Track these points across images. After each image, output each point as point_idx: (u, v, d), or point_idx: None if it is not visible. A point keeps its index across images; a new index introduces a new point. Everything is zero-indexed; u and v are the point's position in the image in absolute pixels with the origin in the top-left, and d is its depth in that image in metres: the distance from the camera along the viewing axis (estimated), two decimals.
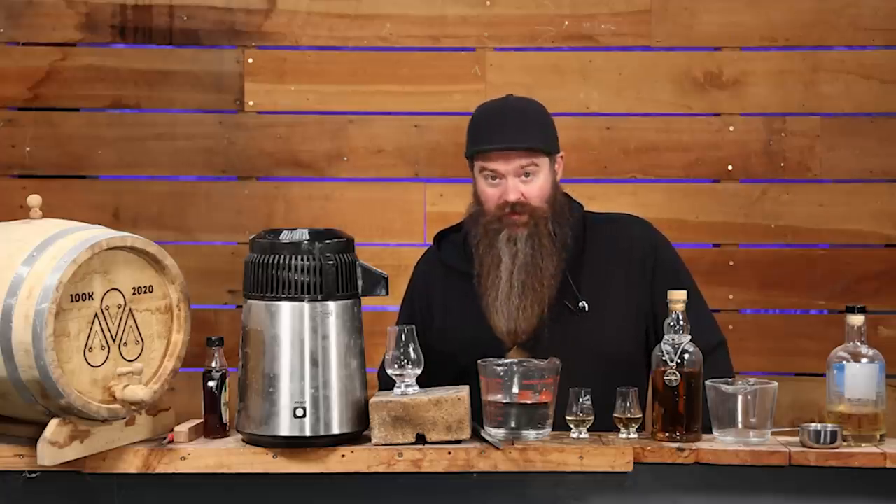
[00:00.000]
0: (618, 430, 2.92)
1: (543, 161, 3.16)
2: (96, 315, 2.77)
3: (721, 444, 2.86)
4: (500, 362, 2.90)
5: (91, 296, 2.76)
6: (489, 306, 3.14)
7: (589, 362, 3.06)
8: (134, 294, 2.84)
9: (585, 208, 3.29)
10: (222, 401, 2.92)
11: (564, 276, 3.15)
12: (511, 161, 3.13)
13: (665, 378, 2.86)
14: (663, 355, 2.86)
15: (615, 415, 2.92)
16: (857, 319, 2.90)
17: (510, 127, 3.15)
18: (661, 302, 3.00)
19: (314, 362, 2.80)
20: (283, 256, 2.80)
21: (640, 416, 2.91)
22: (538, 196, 3.15)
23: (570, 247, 3.17)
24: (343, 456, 2.82)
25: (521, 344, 3.13)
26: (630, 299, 3.17)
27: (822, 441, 2.83)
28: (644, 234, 3.27)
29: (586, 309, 3.16)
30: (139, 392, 2.77)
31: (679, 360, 2.85)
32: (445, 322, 3.21)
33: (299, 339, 2.80)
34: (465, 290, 3.21)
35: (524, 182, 3.14)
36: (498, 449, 2.81)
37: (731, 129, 4.32)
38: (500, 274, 3.13)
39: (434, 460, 2.81)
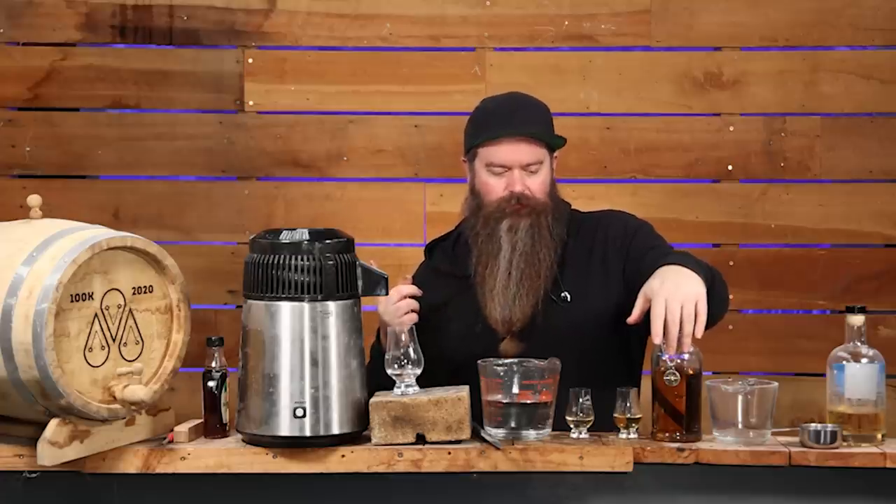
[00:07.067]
0: (617, 430, 2.92)
1: (546, 157, 3.20)
2: (96, 315, 2.77)
3: (721, 444, 2.86)
4: (500, 362, 2.90)
5: (91, 296, 2.76)
6: (486, 295, 3.15)
7: (570, 351, 3.06)
8: (134, 294, 2.84)
9: (573, 206, 3.31)
10: (222, 401, 2.92)
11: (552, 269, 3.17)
12: (518, 153, 3.15)
13: (665, 378, 2.85)
14: (663, 355, 2.85)
15: (615, 415, 2.92)
16: (857, 319, 2.90)
17: (519, 117, 3.19)
18: (635, 264, 3.09)
19: (314, 362, 2.79)
20: (283, 256, 2.80)
21: (640, 415, 2.91)
22: (541, 190, 3.18)
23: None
24: (343, 456, 2.82)
25: (514, 333, 3.14)
26: (610, 289, 3.17)
27: (822, 441, 2.83)
28: (618, 221, 3.28)
29: (569, 299, 3.17)
30: (139, 392, 2.77)
31: (679, 360, 2.85)
32: (439, 321, 3.21)
33: (299, 339, 2.80)
34: (456, 291, 3.22)
35: (528, 176, 3.16)
36: (498, 449, 2.81)
37: (731, 129, 4.32)
38: (499, 263, 3.15)
39: (434, 460, 2.81)
